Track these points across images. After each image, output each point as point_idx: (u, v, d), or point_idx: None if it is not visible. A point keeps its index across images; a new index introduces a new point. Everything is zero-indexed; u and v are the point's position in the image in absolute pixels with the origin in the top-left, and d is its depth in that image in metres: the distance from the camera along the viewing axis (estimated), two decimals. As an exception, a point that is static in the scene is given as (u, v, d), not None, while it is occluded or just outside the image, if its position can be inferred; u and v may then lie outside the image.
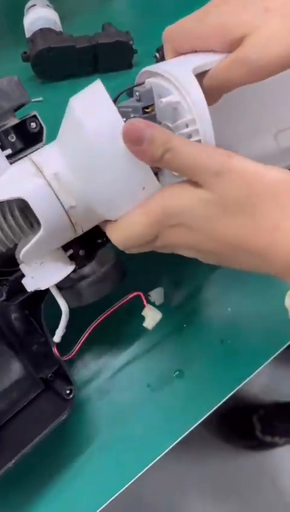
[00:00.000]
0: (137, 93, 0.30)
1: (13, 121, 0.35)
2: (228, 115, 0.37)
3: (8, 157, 0.33)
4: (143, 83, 0.32)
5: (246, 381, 0.42)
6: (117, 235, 0.31)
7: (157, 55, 0.55)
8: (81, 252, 0.36)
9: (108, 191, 0.30)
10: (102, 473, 0.39)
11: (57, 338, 0.36)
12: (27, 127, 0.35)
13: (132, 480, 0.39)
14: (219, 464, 0.99)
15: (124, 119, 0.30)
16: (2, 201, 0.31)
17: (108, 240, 0.33)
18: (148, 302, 0.40)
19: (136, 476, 0.39)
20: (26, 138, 0.35)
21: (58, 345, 0.37)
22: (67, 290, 0.36)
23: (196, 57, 0.32)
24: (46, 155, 0.32)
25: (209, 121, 0.29)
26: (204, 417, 0.40)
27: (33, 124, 0.36)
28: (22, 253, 0.32)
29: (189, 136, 0.29)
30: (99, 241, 0.36)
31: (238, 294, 0.45)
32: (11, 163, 0.32)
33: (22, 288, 0.35)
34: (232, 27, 0.30)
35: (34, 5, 0.57)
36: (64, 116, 0.31)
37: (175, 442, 0.40)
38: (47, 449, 0.39)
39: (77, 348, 0.36)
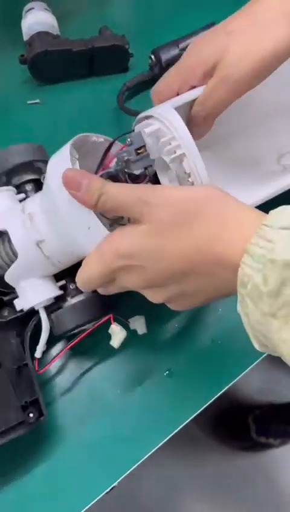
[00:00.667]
0: (128, 140, 0.34)
1: (32, 176, 0.43)
2: (229, 147, 0.41)
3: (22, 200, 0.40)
4: (133, 130, 0.36)
5: (236, 380, 0.42)
6: (78, 277, 0.34)
7: (152, 56, 0.56)
8: (71, 286, 0.40)
9: (63, 230, 0.34)
10: (92, 470, 0.39)
11: (38, 354, 0.39)
12: (42, 181, 0.42)
13: (121, 478, 0.39)
14: (215, 464, 0.99)
15: (120, 163, 0.35)
16: (3, 233, 0.38)
17: None
18: (128, 329, 0.42)
19: (125, 474, 0.39)
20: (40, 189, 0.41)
21: (38, 360, 0.39)
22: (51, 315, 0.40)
23: (176, 97, 0.37)
24: (32, 199, 0.38)
25: (188, 133, 0.32)
26: (194, 415, 0.41)
27: None
28: (5, 276, 0.38)
29: (173, 151, 0.33)
30: None
31: (229, 295, 0.45)
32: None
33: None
34: (206, 58, 0.34)
35: (32, 8, 0.58)
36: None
37: (164, 441, 0.40)
38: (37, 448, 0.40)
39: (49, 365, 0.40)
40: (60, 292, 0.40)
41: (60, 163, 0.33)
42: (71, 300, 0.40)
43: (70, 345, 0.39)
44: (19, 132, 0.54)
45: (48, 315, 0.39)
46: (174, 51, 0.54)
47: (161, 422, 0.41)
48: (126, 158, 0.34)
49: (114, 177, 0.35)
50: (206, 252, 0.28)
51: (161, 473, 0.95)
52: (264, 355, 0.43)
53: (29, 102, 0.56)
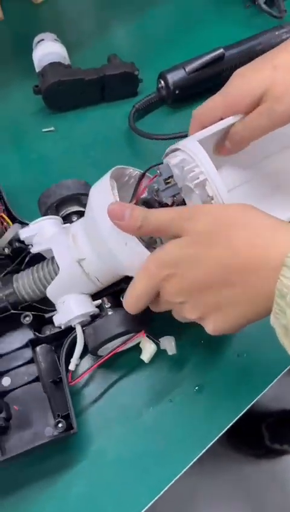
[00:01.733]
0: (158, 171, 0.37)
1: (76, 208, 0.47)
2: (260, 170, 0.44)
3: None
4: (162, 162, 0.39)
5: (263, 392, 0.44)
6: (125, 299, 0.37)
7: (162, 81, 0.58)
8: (107, 305, 0.43)
9: (103, 250, 0.38)
10: (128, 489, 0.40)
11: (71, 366, 0.41)
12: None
13: (158, 496, 0.40)
14: (230, 472, 1.00)
15: (154, 193, 0.38)
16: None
17: None
18: (159, 348, 0.44)
19: (162, 491, 0.40)
20: None
21: (72, 373, 0.41)
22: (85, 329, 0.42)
23: (204, 129, 0.39)
24: (76, 223, 0.42)
25: (209, 161, 0.36)
26: (225, 429, 0.42)
27: None
28: (47, 290, 0.41)
29: (196, 177, 0.36)
30: (122, 298, 0.42)
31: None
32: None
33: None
34: (253, 89, 0.37)
35: (42, 39, 0.60)
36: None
37: (198, 456, 0.41)
38: (74, 465, 0.41)
39: (80, 377, 0.42)
40: (96, 310, 0.42)
41: (102, 194, 0.37)
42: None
43: (104, 358, 0.41)
44: (36, 160, 0.56)
45: (83, 331, 0.41)
46: (181, 74, 0.57)
47: (193, 437, 0.42)
48: (156, 187, 0.37)
49: (147, 203, 0.38)
50: (242, 256, 0.29)
51: (176, 481, 0.95)
52: (289, 367, 0.45)
53: (44, 130, 0.58)
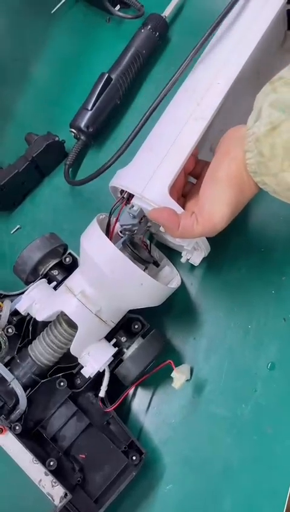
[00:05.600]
0: (131, 214, 0.43)
1: (54, 261, 0.50)
2: None
3: (55, 287, 0.48)
4: (129, 203, 0.44)
5: None
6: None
7: (72, 129, 0.61)
8: (123, 339, 0.47)
9: (117, 294, 0.43)
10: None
11: (102, 393, 0.45)
12: (63, 262, 0.50)
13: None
14: None
15: (128, 232, 0.45)
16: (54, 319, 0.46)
17: (143, 324, 0.48)
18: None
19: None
20: (66, 269, 0.50)
21: (105, 399, 0.46)
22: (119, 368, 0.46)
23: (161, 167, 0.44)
24: (74, 279, 0.46)
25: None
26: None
27: (68, 259, 0.50)
28: (71, 349, 0.44)
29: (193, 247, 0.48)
30: (136, 326, 0.48)
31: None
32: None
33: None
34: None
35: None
36: (80, 248, 0.45)
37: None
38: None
39: (117, 403, 0.46)
40: (115, 349, 0.45)
41: (103, 247, 0.42)
42: (128, 352, 0.46)
43: (138, 382, 0.46)
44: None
45: (112, 370, 0.46)
46: (86, 113, 0.60)
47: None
48: (134, 229, 0.44)
49: (132, 242, 0.46)
50: None
51: None
52: None
53: (12, 231, 0.62)
